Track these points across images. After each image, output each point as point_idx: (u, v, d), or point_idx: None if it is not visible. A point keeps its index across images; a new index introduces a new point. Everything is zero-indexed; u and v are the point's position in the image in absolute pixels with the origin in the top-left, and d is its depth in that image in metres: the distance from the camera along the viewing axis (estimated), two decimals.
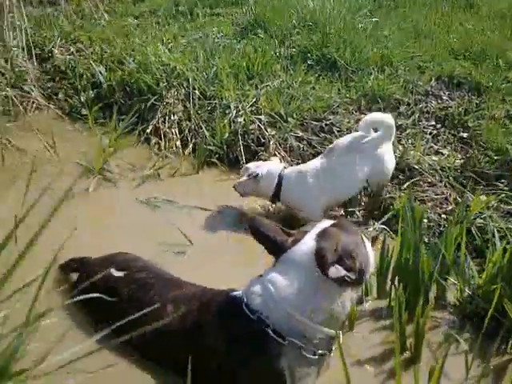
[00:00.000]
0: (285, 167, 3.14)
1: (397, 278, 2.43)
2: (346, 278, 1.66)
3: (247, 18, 5.78)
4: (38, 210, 2.77)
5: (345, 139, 3.12)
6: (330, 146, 3.18)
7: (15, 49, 4.65)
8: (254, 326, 1.74)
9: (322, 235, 1.79)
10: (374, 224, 3.04)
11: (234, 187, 3.14)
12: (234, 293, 1.91)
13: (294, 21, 5.37)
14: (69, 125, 4.21)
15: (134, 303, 1.98)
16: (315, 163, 3.09)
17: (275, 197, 3.08)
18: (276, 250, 1.87)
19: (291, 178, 3.04)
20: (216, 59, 4.51)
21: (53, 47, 5.25)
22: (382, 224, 2.96)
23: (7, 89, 4.27)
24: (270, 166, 3.10)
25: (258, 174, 3.01)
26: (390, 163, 3.11)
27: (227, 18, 6.10)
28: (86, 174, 3.42)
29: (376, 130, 3.06)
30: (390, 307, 2.37)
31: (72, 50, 5.33)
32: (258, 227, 1.92)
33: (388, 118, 3.11)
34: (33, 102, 4.38)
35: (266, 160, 3.41)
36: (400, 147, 3.61)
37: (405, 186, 3.28)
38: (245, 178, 3.07)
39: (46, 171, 3.42)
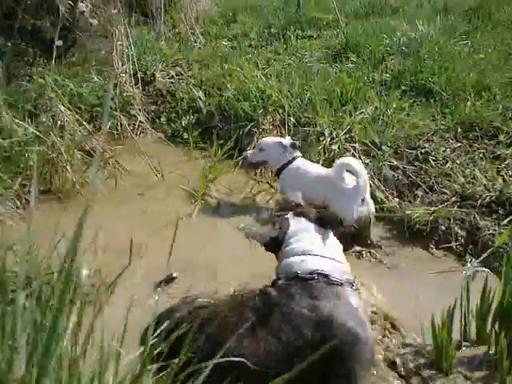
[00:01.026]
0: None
1: (497, 322, 2.40)
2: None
3: (339, 41, 5.87)
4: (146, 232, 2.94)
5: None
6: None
7: (123, 75, 5.00)
8: None
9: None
10: (471, 261, 3.02)
11: (243, 157, 3.68)
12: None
13: (386, 45, 5.37)
14: (171, 148, 4.48)
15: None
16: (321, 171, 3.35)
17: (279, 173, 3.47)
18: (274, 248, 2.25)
19: (297, 168, 3.38)
20: (310, 85, 4.63)
21: (154, 71, 5.59)
22: (480, 262, 2.93)
23: (116, 113, 4.61)
24: (277, 140, 3.51)
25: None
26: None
27: (319, 40, 6.21)
28: (189, 199, 3.63)
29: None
30: (491, 353, 2.35)
31: (172, 73, 5.67)
32: (252, 238, 2.28)
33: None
34: (138, 126, 4.70)
35: None
36: (499, 179, 3.54)
37: (505, 221, 3.21)
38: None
39: (153, 194, 3.68)
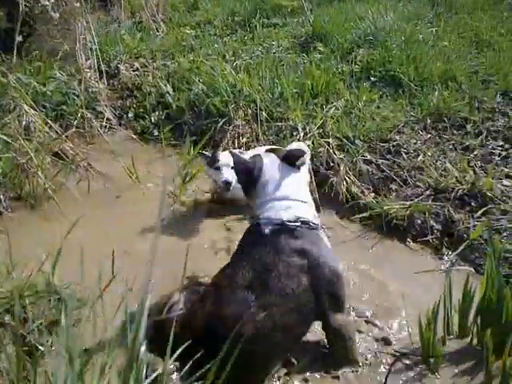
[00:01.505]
0: None
1: (479, 317, 2.49)
2: None
3: (305, 29, 5.85)
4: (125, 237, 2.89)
5: None
6: None
7: (87, 70, 4.84)
8: None
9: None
10: (448, 254, 3.11)
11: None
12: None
13: (353, 34, 5.39)
14: (141, 146, 4.39)
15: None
16: None
17: None
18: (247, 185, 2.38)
19: None
20: (280, 78, 4.61)
21: (118, 63, 5.45)
22: (457, 255, 3.02)
23: (82, 110, 4.47)
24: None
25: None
26: None
27: (284, 29, 6.17)
28: (166, 199, 3.59)
29: None
30: (473, 346, 2.44)
31: (136, 65, 5.53)
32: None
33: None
34: (106, 123, 4.58)
35: None
36: (470, 171, 3.63)
37: (478, 213, 3.31)
38: None
39: (129, 196, 3.61)
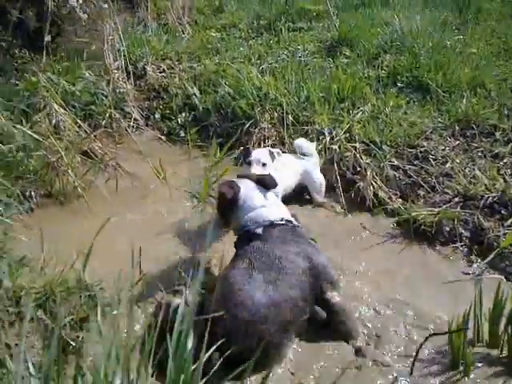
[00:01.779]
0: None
1: (510, 326, 2.46)
2: None
3: (331, 34, 5.84)
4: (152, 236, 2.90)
5: None
6: None
7: (115, 71, 4.89)
8: None
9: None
10: (477, 261, 3.08)
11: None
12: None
13: (380, 39, 5.37)
14: (168, 147, 4.43)
15: None
16: None
17: None
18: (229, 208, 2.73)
19: None
20: (307, 82, 4.61)
21: (145, 65, 5.48)
22: (487, 263, 2.99)
23: (110, 110, 4.51)
24: None
25: None
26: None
27: (310, 33, 6.17)
28: (192, 200, 3.61)
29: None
30: (504, 355, 2.41)
31: (163, 67, 5.57)
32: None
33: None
34: (133, 124, 4.61)
35: None
36: (500, 179, 3.59)
37: (508, 222, 3.27)
38: None
39: (156, 196, 3.64)
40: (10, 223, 2.61)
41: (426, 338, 2.34)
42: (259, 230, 2.59)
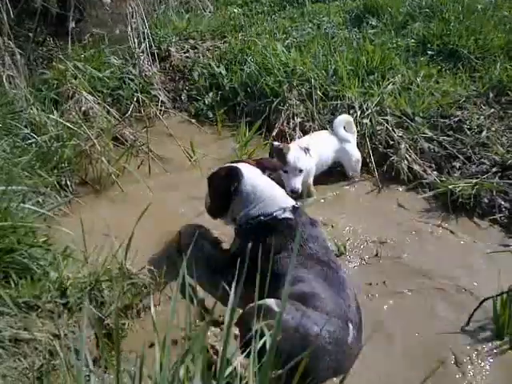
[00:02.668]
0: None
1: None
2: None
3: (356, 4, 5.70)
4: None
5: None
6: None
7: (141, 54, 4.87)
8: None
9: None
10: None
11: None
12: None
13: (407, 6, 5.21)
14: (197, 128, 4.40)
15: None
16: None
17: None
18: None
19: None
20: (334, 55, 4.52)
21: (169, 46, 5.44)
22: None
23: (138, 94, 4.51)
24: None
25: None
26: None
27: (335, 4, 6.03)
28: None
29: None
30: None
31: (187, 47, 5.52)
32: None
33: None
34: (161, 107, 4.61)
35: None
36: None
37: None
38: None
39: (189, 179, 3.64)
40: (51, 215, 2.65)
41: (481, 303, 2.39)
42: (287, 214, 2.55)
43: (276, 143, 3.42)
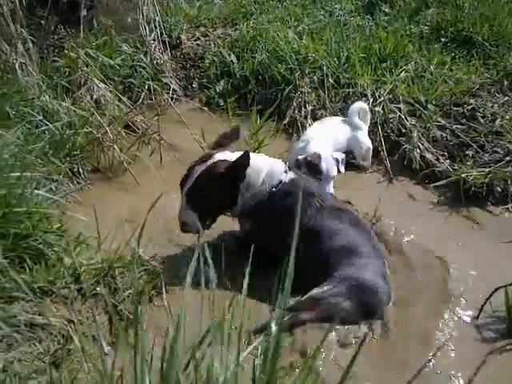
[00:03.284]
0: None
1: None
2: None
3: None
4: None
5: None
6: None
7: (152, 42, 4.87)
8: None
9: None
10: None
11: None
12: None
13: None
14: (208, 116, 4.40)
15: None
16: None
17: None
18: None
19: None
20: (346, 42, 4.48)
21: (179, 34, 5.42)
22: None
23: (149, 82, 4.51)
24: None
25: None
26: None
27: None
28: None
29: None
30: None
31: (198, 35, 5.50)
32: None
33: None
34: (172, 94, 4.61)
35: None
36: None
37: None
38: None
39: None
40: (64, 202, 2.67)
41: (495, 290, 2.40)
42: (291, 175, 2.68)
43: (300, 157, 3.24)
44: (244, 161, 2.56)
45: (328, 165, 3.19)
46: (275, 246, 2.24)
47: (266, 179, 2.64)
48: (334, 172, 3.21)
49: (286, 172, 2.67)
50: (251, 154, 2.62)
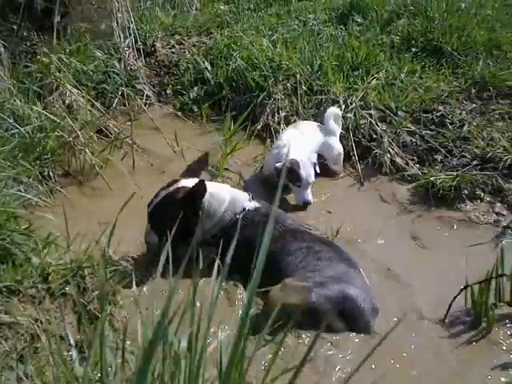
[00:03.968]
0: None
1: None
2: None
3: (342, 1, 5.74)
4: None
5: None
6: None
7: (126, 49, 4.87)
8: None
9: None
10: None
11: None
12: None
13: (392, 4, 5.27)
14: (181, 122, 4.40)
15: None
16: None
17: None
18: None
19: None
20: (320, 51, 4.55)
21: (154, 41, 5.43)
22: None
23: (122, 88, 4.50)
24: None
25: None
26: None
27: (321, 1, 6.05)
28: (209, 174, 3.63)
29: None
30: None
31: (172, 42, 5.52)
32: None
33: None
34: (146, 101, 4.60)
35: None
36: None
37: None
38: None
39: (174, 172, 3.64)
40: (33, 203, 2.64)
41: (461, 290, 2.43)
42: (256, 203, 2.74)
43: (278, 164, 3.32)
44: (199, 189, 2.63)
45: (306, 171, 3.27)
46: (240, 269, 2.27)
47: (229, 207, 2.71)
48: (313, 178, 3.29)
49: (249, 201, 2.74)
50: (214, 184, 2.79)
